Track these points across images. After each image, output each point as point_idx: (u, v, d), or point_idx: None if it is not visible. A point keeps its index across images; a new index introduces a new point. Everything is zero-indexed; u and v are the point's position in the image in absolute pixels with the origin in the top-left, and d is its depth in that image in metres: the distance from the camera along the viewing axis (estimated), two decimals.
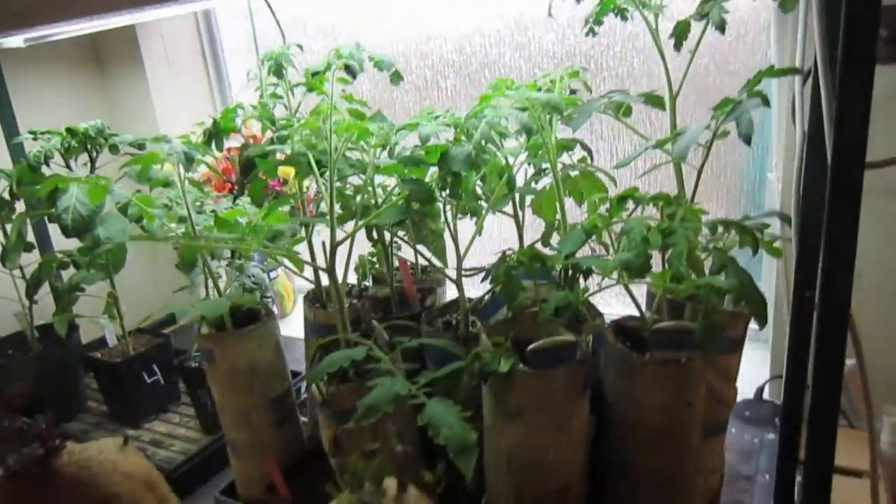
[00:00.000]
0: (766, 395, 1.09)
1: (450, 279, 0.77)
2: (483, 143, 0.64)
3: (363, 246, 0.97)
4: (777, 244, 0.70)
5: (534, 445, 0.63)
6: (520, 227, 0.84)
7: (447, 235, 0.76)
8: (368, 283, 0.95)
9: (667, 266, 0.61)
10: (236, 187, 1.33)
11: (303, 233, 0.86)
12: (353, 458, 0.33)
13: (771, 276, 1.12)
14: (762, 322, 0.57)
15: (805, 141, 0.68)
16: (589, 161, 0.80)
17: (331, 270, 0.69)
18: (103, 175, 1.05)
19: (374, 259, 0.96)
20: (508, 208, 0.84)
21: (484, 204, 0.81)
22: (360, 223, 0.69)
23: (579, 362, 0.62)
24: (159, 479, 0.45)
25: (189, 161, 0.77)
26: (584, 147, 0.82)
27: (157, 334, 1.30)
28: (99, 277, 1.18)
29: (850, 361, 0.78)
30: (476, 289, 0.84)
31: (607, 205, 0.70)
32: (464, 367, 0.62)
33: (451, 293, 0.91)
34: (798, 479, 0.87)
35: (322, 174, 0.72)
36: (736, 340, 0.72)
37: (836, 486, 0.67)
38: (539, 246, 0.76)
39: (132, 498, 0.44)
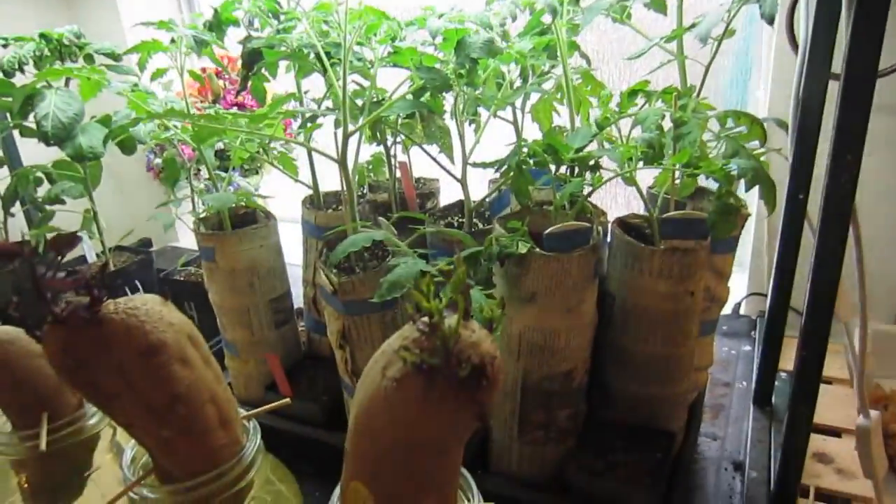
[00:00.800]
0: (742, 311, 1.15)
1: (454, 178, 0.77)
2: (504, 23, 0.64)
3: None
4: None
5: (545, 329, 0.65)
6: (519, 134, 0.85)
7: (454, 133, 0.76)
8: (365, 189, 0.95)
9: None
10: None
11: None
12: (425, 280, 0.34)
13: (752, 200, 1.16)
14: (771, 207, 0.60)
15: (807, 50, 0.70)
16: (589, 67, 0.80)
17: (342, 161, 0.69)
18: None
19: (370, 167, 0.96)
20: (507, 114, 0.84)
21: (484, 111, 0.81)
22: (371, 116, 0.69)
23: (593, 247, 0.63)
24: (201, 337, 0.46)
25: (199, 46, 0.75)
26: (584, 55, 0.83)
27: (137, 251, 1.28)
28: (78, 191, 1.14)
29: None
30: (476, 195, 0.85)
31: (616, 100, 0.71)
32: (481, 250, 0.63)
33: (447, 199, 0.91)
34: (776, 384, 0.93)
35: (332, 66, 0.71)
36: (732, 240, 0.75)
37: None
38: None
39: (178, 347, 0.44)
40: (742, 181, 0.60)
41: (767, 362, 0.89)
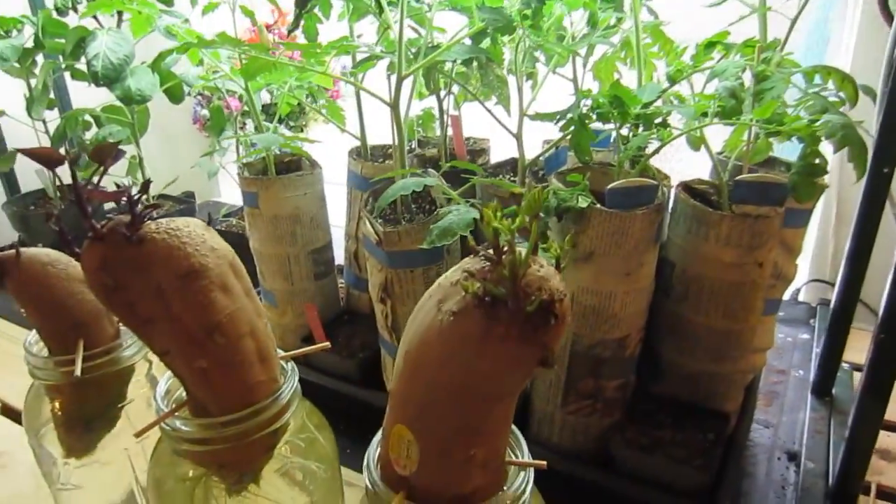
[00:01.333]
0: (801, 298, 1.09)
1: (509, 132, 0.73)
2: None
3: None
4: None
5: (601, 291, 0.61)
6: (578, 91, 0.80)
7: (512, 85, 0.72)
8: (413, 144, 0.92)
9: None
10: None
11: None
12: (492, 205, 0.31)
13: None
14: (861, 171, 0.55)
15: None
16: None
17: (395, 104, 0.66)
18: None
19: (420, 122, 0.93)
20: (566, 72, 0.80)
21: (541, 68, 0.77)
22: (427, 59, 0.65)
23: (657, 207, 0.59)
24: (243, 268, 0.43)
25: None
26: (652, 10, 0.78)
27: (180, 201, 1.27)
28: (125, 135, 1.14)
29: None
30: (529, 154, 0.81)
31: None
32: None
33: (498, 159, 0.88)
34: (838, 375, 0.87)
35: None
36: (805, 212, 0.70)
37: None
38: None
39: (220, 273, 0.41)
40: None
41: (830, 352, 0.83)
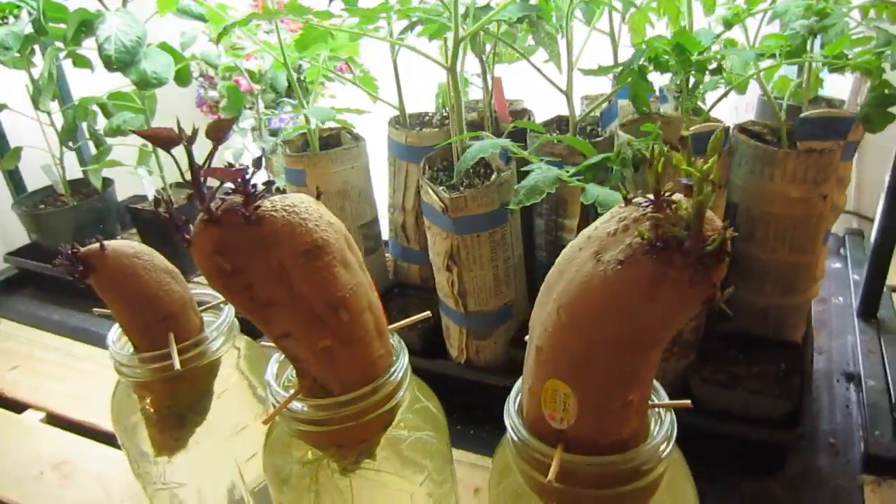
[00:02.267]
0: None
1: (559, 89, 0.73)
2: None
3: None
4: None
5: None
6: (615, 46, 0.80)
7: (561, 43, 0.71)
8: (446, 110, 0.91)
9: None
10: None
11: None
12: (658, 149, 0.30)
13: None
14: None
15: None
16: None
17: (452, 67, 0.65)
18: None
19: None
20: (604, 25, 0.79)
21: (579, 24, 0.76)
22: (485, 19, 0.64)
23: (728, 150, 0.60)
24: (353, 241, 0.42)
25: None
26: None
27: None
28: (139, 122, 1.10)
29: None
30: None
31: None
32: (609, 156, 0.59)
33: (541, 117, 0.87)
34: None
35: None
36: (853, 145, 0.71)
37: None
38: None
39: (339, 247, 0.41)
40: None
41: (874, 277, 0.85)
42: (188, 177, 0.39)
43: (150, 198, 1.22)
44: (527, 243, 0.78)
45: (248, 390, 0.58)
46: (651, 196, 0.33)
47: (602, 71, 0.67)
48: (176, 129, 0.37)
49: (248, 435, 0.58)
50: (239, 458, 0.57)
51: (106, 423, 0.86)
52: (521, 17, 0.67)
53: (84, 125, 1.14)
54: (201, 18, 1.05)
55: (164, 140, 0.37)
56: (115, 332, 0.55)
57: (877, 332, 0.84)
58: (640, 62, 0.64)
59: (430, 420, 0.51)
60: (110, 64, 0.99)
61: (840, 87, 0.83)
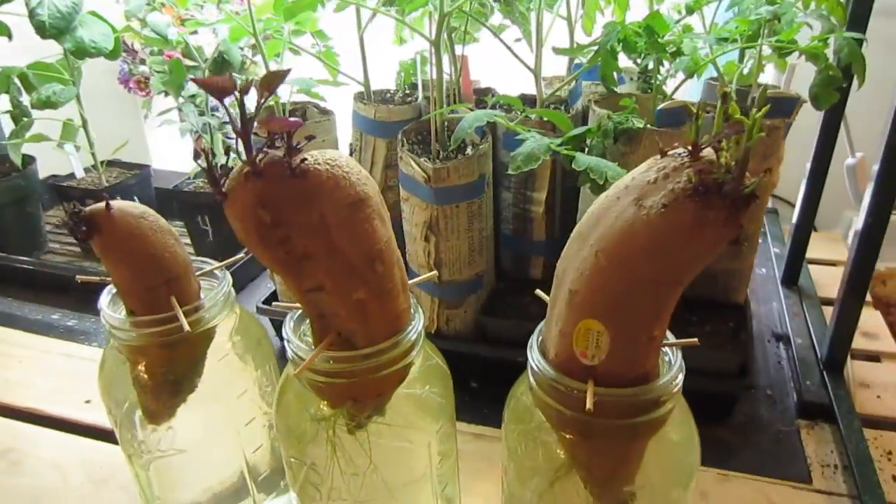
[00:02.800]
0: None
1: (528, 68, 0.76)
2: None
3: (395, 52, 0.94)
4: None
5: None
6: (571, 29, 0.84)
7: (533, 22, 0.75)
8: (407, 88, 0.92)
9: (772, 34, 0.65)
10: None
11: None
12: (701, 103, 0.34)
13: None
14: (861, 80, 0.63)
15: None
16: None
17: (437, 42, 0.67)
18: None
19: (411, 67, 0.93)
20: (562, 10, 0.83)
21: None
22: None
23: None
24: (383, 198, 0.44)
25: None
26: None
27: (131, 167, 1.19)
28: (71, 94, 1.04)
29: (859, 154, 0.89)
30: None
31: None
32: (589, 129, 0.64)
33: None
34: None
35: None
36: (790, 124, 0.79)
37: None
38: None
39: (377, 201, 0.42)
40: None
41: (797, 250, 0.95)
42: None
43: (79, 175, 1.16)
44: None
45: (246, 356, 0.58)
46: (689, 148, 0.37)
47: (574, 51, 0.71)
48: (222, 81, 0.37)
49: (246, 399, 0.57)
50: (238, 423, 0.57)
51: (53, 409, 0.82)
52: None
53: (6, 98, 1.06)
54: None
55: (219, 88, 0.37)
56: (107, 297, 0.53)
57: (799, 297, 0.94)
58: (612, 44, 0.68)
59: (440, 377, 0.53)
60: (43, 31, 0.94)
61: (769, 75, 0.92)
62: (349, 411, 0.49)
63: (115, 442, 0.77)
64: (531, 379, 0.45)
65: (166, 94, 1.37)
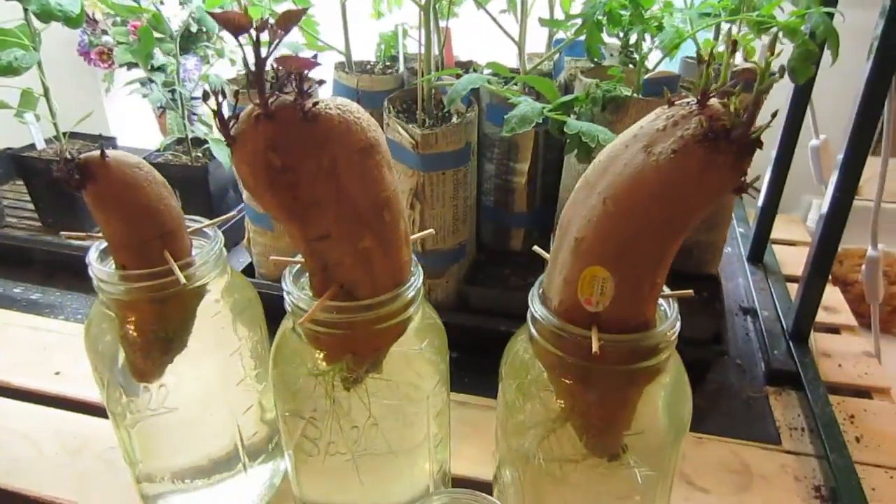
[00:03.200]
0: None
1: (512, 40, 0.77)
2: None
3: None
4: None
5: None
6: (551, 4, 0.86)
7: None
8: (388, 61, 0.92)
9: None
10: None
11: None
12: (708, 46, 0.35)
13: None
14: (835, 56, 0.66)
15: None
16: None
17: (427, 8, 0.67)
18: None
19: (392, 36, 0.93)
20: None
21: None
22: None
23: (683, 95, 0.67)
24: None
25: None
26: None
27: (95, 138, 1.16)
28: (33, 60, 1.00)
29: (822, 136, 0.93)
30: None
31: None
32: (578, 97, 0.65)
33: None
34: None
35: None
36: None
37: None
38: None
39: (385, 148, 0.42)
40: None
41: (763, 229, 0.99)
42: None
43: (40, 146, 1.12)
44: None
45: (237, 316, 0.57)
46: (698, 97, 0.38)
47: (560, 23, 0.72)
48: (238, 16, 0.37)
49: (237, 359, 0.57)
50: (229, 382, 0.56)
51: (20, 381, 0.80)
52: None
53: None
54: None
55: (235, 24, 0.36)
56: (95, 251, 0.52)
57: (764, 273, 0.98)
58: (598, 17, 0.70)
59: (436, 335, 0.53)
60: None
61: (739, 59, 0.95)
62: (347, 365, 0.49)
63: (88, 412, 0.76)
64: (532, 329, 0.46)
65: (129, 66, 1.33)
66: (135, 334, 0.53)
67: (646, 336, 0.43)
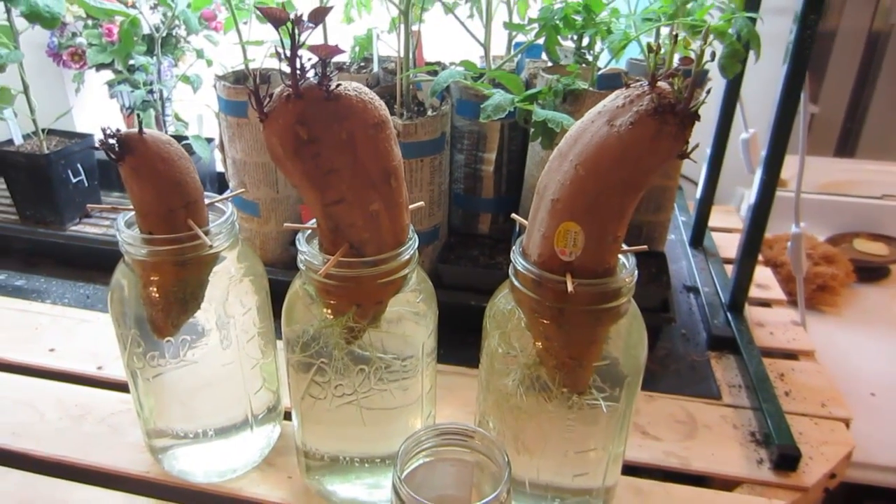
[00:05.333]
0: None
1: (479, 42, 0.86)
2: None
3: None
4: None
5: None
6: (510, 11, 0.95)
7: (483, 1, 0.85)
8: (362, 62, 1.00)
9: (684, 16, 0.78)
10: None
11: None
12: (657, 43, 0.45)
13: None
14: (758, 56, 0.77)
15: None
16: None
17: (406, 11, 0.75)
18: None
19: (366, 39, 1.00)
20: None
21: None
22: None
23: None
24: None
25: None
26: None
27: (72, 135, 1.19)
28: (17, 58, 1.04)
29: (752, 130, 1.05)
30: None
31: None
32: (542, 90, 0.74)
33: None
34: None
35: None
36: None
37: None
38: None
39: (393, 125, 0.50)
40: None
41: (702, 217, 1.11)
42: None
43: (18, 141, 1.15)
44: None
45: (248, 280, 0.63)
46: (648, 79, 0.47)
47: (521, 27, 0.81)
48: (279, 11, 0.44)
49: (249, 317, 0.63)
50: (243, 339, 0.63)
51: (17, 357, 0.83)
52: None
53: None
54: None
55: (276, 18, 0.43)
56: (123, 220, 0.58)
57: (704, 256, 1.10)
58: (555, 21, 0.79)
59: (427, 292, 0.61)
60: None
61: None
62: (353, 316, 0.56)
63: (86, 384, 0.80)
64: (515, 281, 0.54)
65: (98, 67, 1.37)
66: (156, 294, 0.59)
67: (610, 280, 0.52)
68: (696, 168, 1.16)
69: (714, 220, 1.19)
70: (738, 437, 0.77)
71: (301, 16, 0.45)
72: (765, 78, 0.88)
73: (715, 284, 1.01)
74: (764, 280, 1.08)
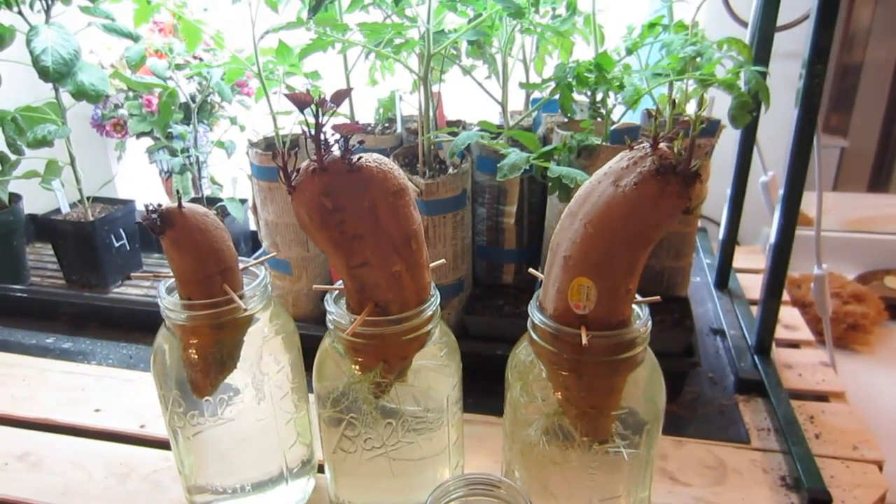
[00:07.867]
0: None
1: (496, 101, 0.90)
2: None
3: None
4: None
5: None
6: (527, 68, 1.00)
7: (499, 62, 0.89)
8: (386, 123, 1.05)
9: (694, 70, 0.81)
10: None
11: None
12: (660, 106, 0.47)
13: None
14: (767, 105, 0.80)
15: None
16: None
17: (425, 77, 0.80)
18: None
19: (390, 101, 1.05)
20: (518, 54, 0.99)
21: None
22: (451, 39, 0.80)
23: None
24: None
25: None
26: None
27: (114, 202, 1.26)
28: (64, 133, 1.12)
29: (771, 172, 1.06)
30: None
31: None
32: (557, 147, 0.77)
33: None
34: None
35: None
36: (712, 148, 0.95)
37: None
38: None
39: (411, 192, 0.54)
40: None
41: (725, 259, 1.12)
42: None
43: (65, 210, 1.22)
44: None
45: (281, 340, 0.67)
46: (650, 142, 0.50)
47: (537, 86, 0.85)
48: (304, 96, 0.49)
49: (283, 375, 0.66)
50: (277, 395, 0.66)
51: (64, 418, 0.88)
52: (473, 41, 0.84)
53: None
54: (129, 37, 1.11)
55: (300, 101, 0.48)
56: (164, 287, 0.62)
57: (730, 298, 1.10)
58: (569, 79, 0.83)
59: (451, 346, 0.64)
60: (48, 75, 1.02)
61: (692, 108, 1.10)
62: (380, 372, 0.59)
63: (131, 443, 0.83)
64: (533, 334, 0.56)
65: (138, 136, 1.45)
66: (196, 356, 0.62)
67: (624, 332, 0.54)
68: (718, 209, 1.17)
69: (739, 260, 1.19)
70: (768, 482, 0.77)
71: (325, 98, 0.49)
72: (781, 120, 0.90)
73: (741, 326, 1.02)
74: (792, 321, 1.07)
